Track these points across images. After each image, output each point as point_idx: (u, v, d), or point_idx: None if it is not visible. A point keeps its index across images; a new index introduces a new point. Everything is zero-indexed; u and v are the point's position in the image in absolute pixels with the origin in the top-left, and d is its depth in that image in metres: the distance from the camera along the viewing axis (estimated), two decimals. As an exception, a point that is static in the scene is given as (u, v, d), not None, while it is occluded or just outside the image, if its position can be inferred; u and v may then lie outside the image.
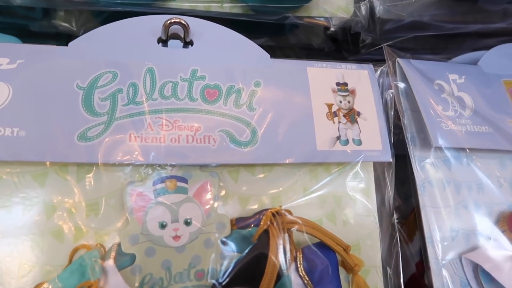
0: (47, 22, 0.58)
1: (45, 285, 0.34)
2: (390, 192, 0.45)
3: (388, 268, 0.44)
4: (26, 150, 0.35)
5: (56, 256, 0.36)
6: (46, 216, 0.37)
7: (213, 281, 0.37)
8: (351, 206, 0.45)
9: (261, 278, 0.35)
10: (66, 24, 0.59)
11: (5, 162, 0.36)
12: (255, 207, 0.42)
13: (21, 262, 0.36)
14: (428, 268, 0.44)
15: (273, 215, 0.38)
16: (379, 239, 0.46)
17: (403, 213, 0.53)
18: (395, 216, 0.45)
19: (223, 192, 0.41)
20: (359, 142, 0.44)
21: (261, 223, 0.38)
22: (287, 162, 0.41)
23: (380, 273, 0.45)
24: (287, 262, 0.38)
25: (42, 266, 0.36)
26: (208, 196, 0.40)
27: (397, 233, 0.45)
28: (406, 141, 0.45)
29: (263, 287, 0.35)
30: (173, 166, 0.39)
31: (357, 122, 0.45)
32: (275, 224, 0.38)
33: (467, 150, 0.48)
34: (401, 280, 0.44)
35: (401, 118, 0.46)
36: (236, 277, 0.36)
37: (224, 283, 0.35)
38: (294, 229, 0.40)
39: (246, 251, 0.37)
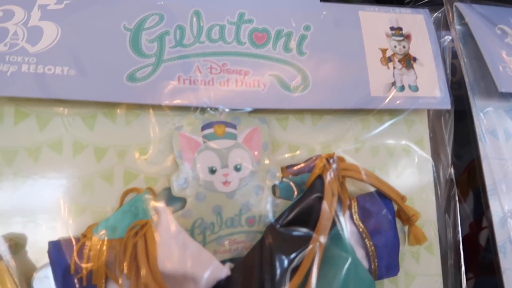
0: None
1: (98, 226, 0.34)
2: (447, 142, 0.42)
3: (445, 222, 0.42)
4: (76, 89, 0.34)
5: (107, 198, 0.36)
6: (96, 159, 0.36)
7: (271, 221, 0.36)
8: (404, 158, 0.43)
9: (317, 221, 0.34)
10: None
11: (54, 105, 0.36)
12: (304, 156, 0.40)
13: (73, 203, 0.35)
14: (490, 224, 0.42)
15: (327, 161, 0.37)
16: (434, 192, 0.44)
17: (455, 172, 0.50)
18: (452, 168, 0.43)
19: (272, 140, 0.40)
20: (416, 88, 0.41)
21: (315, 169, 0.36)
22: (339, 108, 0.39)
23: (435, 228, 0.43)
24: (341, 209, 0.37)
25: (93, 208, 0.36)
26: (258, 142, 0.39)
27: (455, 186, 0.42)
28: (467, 88, 0.42)
29: (319, 230, 0.33)
30: (221, 111, 0.38)
31: (413, 68, 0.42)
32: (328, 170, 0.36)
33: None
34: (459, 236, 0.42)
35: (460, 64, 0.43)
36: (292, 219, 0.34)
37: (281, 223, 0.34)
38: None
39: (300, 196, 0.36)
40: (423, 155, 0.43)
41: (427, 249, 0.43)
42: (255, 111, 0.40)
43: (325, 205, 0.35)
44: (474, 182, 0.52)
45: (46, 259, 0.33)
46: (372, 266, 0.37)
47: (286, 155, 0.40)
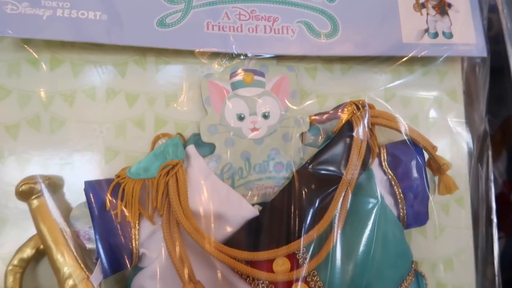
0: None
1: (131, 167, 0.35)
2: (482, 93, 0.41)
3: (477, 175, 0.41)
4: (108, 33, 0.35)
5: (139, 143, 0.37)
6: (128, 105, 0.37)
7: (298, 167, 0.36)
8: (435, 109, 0.42)
9: (346, 165, 0.34)
10: None
11: (87, 52, 0.37)
12: (333, 105, 0.40)
13: (106, 147, 0.37)
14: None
15: (357, 107, 0.36)
16: (467, 145, 0.43)
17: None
18: (487, 120, 0.41)
19: (300, 89, 0.40)
20: (450, 35, 0.40)
21: (344, 114, 0.36)
22: (370, 55, 0.39)
23: (466, 180, 0.42)
24: (370, 156, 0.36)
25: (126, 152, 0.37)
26: (286, 90, 0.39)
27: (488, 137, 0.41)
28: (505, 37, 0.41)
29: (348, 173, 0.33)
30: (250, 58, 0.38)
31: (447, 14, 0.40)
32: (358, 116, 0.36)
33: None
34: (492, 189, 0.41)
35: (499, 13, 0.41)
36: (321, 162, 0.34)
37: (310, 167, 0.35)
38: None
39: (328, 141, 0.36)
40: (456, 107, 0.42)
41: (457, 202, 0.42)
42: (283, 59, 0.39)
43: (354, 149, 0.34)
44: (509, 140, 0.51)
45: (82, 199, 0.34)
46: (401, 214, 0.37)
47: (315, 105, 0.40)
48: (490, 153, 0.42)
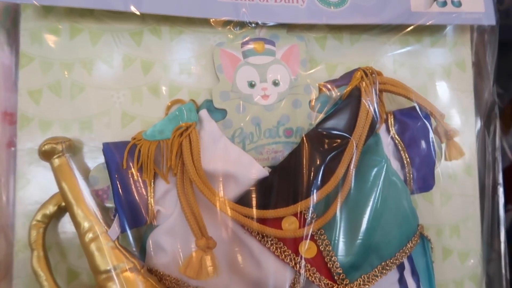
0: None
1: (147, 131, 0.36)
2: (491, 61, 0.41)
3: (485, 143, 0.42)
4: (125, 2, 0.36)
5: (153, 109, 0.38)
6: (143, 72, 0.39)
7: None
8: (444, 79, 0.43)
9: (353, 129, 0.35)
10: None
11: (104, 21, 0.38)
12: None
13: (123, 113, 0.38)
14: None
15: (365, 73, 0.37)
16: (474, 115, 0.43)
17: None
18: (495, 90, 0.42)
19: (310, 58, 0.41)
20: (459, 4, 0.40)
21: (352, 80, 0.37)
22: (379, 23, 0.39)
23: (473, 149, 0.43)
24: (378, 122, 0.37)
25: (141, 117, 0.38)
26: (296, 59, 0.40)
27: (496, 106, 0.41)
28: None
29: (355, 135, 0.35)
30: (260, 26, 0.39)
31: (456, -17, 0.41)
32: (366, 82, 0.37)
33: None
34: (498, 157, 0.41)
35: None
36: (329, 124, 0.35)
37: (319, 129, 0.36)
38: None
39: (337, 106, 0.37)
40: (464, 77, 0.43)
41: (465, 170, 0.43)
42: (293, 29, 0.40)
43: (362, 112, 0.35)
44: (518, 114, 0.51)
45: (100, 161, 0.36)
46: (407, 178, 0.38)
47: (324, 73, 0.41)
48: (497, 123, 0.42)
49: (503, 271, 0.45)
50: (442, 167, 0.41)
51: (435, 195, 0.42)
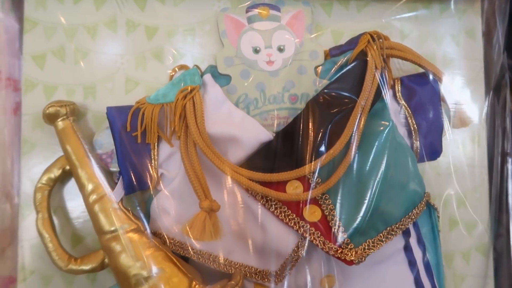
0: None
1: (151, 95, 0.36)
2: (501, 27, 0.40)
3: (494, 110, 0.41)
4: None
5: (158, 74, 0.38)
6: (147, 37, 0.39)
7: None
8: (452, 46, 0.42)
9: (359, 93, 0.34)
10: None
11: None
12: (348, 42, 0.40)
13: (127, 78, 0.38)
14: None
15: (372, 37, 0.37)
16: (484, 83, 0.42)
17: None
18: (505, 56, 0.41)
19: (316, 25, 0.40)
20: (469, -32, 0.39)
21: (359, 44, 0.36)
22: (386, -13, 0.39)
23: (482, 118, 0.42)
24: (385, 87, 0.37)
25: (145, 83, 0.38)
26: (301, 25, 0.39)
27: (507, 74, 0.40)
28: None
29: (363, 95, 0.34)
30: (266, -9, 0.39)
31: None
32: (373, 46, 0.36)
33: None
34: (508, 122, 0.40)
35: None
36: (337, 85, 0.35)
37: (325, 91, 0.35)
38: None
39: (343, 70, 0.36)
40: (474, 45, 0.42)
41: (473, 140, 0.42)
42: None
43: (368, 75, 0.35)
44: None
45: (105, 126, 0.36)
46: (414, 145, 0.37)
47: (330, 40, 0.40)
48: (508, 92, 0.41)
49: (512, 246, 0.44)
50: (450, 137, 0.41)
51: (442, 165, 0.41)
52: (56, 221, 0.36)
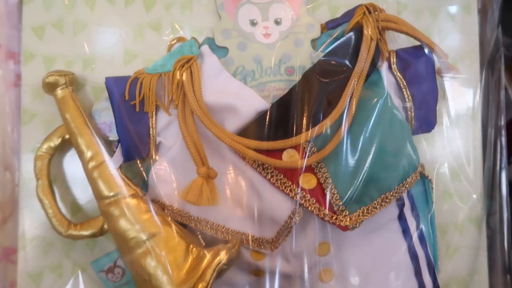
0: None
1: (149, 66, 0.36)
2: (496, 5, 0.41)
3: (487, 85, 0.41)
4: None
5: (156, 46, 0.39)
6: (145, 9, 0.39)
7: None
8: (449, 23, 0.42)
9: (355, 63, 0.35)
10: None
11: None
12: (345, 16, 0.41)
13: (125, 50, 0.39)
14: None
15: (367, 9, 0.37)
16: (479, 60, 0.43)
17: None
18: (500, 30, 0.41)
19: (313, -1, 0.41)
20: None
21: (354, 16, 0.36)
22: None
23: (477, 92, 0.42)
24: (380, 59, 0.37)
25: (143, 55, 0.39)
26: (298, -2, 0.40)
27: (502, 49, 0.41)
28: None
29: (359, 64, 0.34)
30: (263, -36, 0.39)
31: None
32: (369, 18, 0.36)
33: None
34: (502, 97, 0.41)
35: None
36: (333, 55, 0.35)
37: (321, 60, 0.36)
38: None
39: (339, 41, 0.37)
40: (470, 20, 0.42)
41: (468, 115, 0.42)
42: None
43: (364, 45, 0.35)
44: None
45: (104, 95, 0.37)
46: (409, 117, 0.38)
47: (326, 14, 0.41)
48: (502, 67, 0.42)
49: (505, 222, 0.45)
50: (445, 112, 0.41)
51: (437, 139, 0.42)
52: (55, 190, 0.37)
